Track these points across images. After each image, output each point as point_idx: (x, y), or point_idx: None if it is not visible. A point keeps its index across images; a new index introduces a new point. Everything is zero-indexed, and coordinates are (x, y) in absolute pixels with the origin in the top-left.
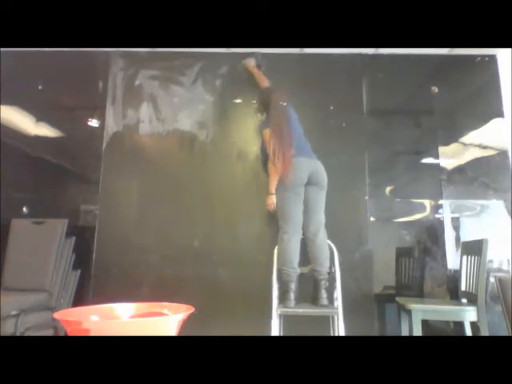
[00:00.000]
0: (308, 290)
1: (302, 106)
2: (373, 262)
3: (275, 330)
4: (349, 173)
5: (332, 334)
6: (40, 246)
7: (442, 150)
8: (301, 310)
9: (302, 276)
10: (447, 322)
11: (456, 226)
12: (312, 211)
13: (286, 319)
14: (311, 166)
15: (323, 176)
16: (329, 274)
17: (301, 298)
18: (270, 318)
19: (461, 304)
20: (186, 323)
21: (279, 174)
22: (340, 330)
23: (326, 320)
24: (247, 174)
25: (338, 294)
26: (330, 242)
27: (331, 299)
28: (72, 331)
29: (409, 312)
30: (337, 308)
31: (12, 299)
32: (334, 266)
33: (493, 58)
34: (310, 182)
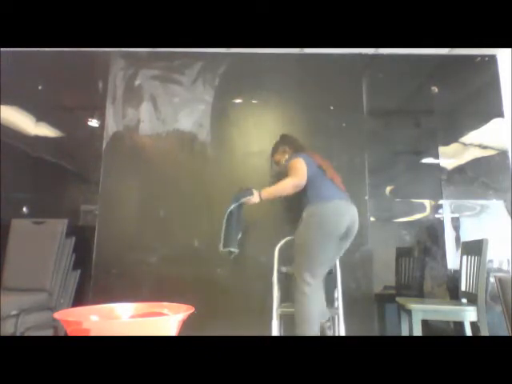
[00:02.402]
0: None
1: (302, 105)
2: (373, 261)
3: (275, 330)
4: (349, 173)
5: (332, 334)
6: (40, 246)
7: (442, 149)
8: None
9: None
10: (447, 322)
11: (456, 226)
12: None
13: (286, 319)
14: (351, 213)
15: (357, 226)
16: (330, 273)
17: None
18: (269, 318)
19: (461, 304)
20: (185, 323)
21: (336, 182)
22: (340, 330)
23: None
24: (247, 174)
25: (338, 294)
26: None
27: (331, 301)
28: (72, 331)
29: (409, 312)
30: (337, 308)
31: (12, 299)
32: (334, 266)
33: (493, 58)
34: (344, 236)
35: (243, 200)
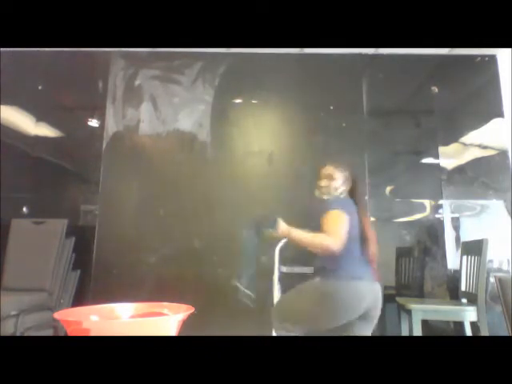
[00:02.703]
0: None
1: (302, 105)
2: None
3: None
4: None
5: None
6: (40, 246)
7: (442, 149)
8: None
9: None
10: (447, 322)
11: (456, 226)
12: None
13: None
14: (374, 293)
15: (379, 308)
16: None
17: None
18: (269, 318)
19: (461, 304)
20: (185, 323)
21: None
22: None
23: None
24: (247, 174)
25: None
26: None
27: None
28: (72, 331)
29: (409, 312)
30: None
31: (12, 299)
32: None
33: (493, 58)
34: (363, 316)
35: (266, 232)
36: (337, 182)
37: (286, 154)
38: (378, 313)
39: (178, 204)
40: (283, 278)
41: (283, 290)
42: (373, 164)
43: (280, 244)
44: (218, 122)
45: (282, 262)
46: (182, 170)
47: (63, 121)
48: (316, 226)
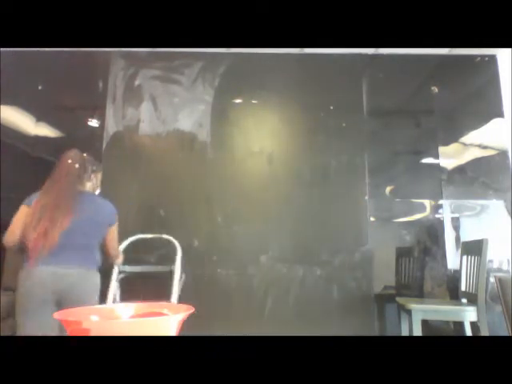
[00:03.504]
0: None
1: (302, 105)
2: (373, 261)
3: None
4: (349, 173)
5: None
6: None
7: (442, 149)
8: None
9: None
10: (447, 322)
11: (456, 226)
12: None
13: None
14: (61, 283)
15: (81, 294)
16: (170, 272)
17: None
18: (270, 318)
19: (461, 304)
20: (185, 323)
21: (31, 246)
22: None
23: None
24: (247, 174)
25: (174, 290)
26: (173, 239)
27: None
28: (72, 331)
29: (409, 312)
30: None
31: (12, 299)
32: (174, 262)
33: (493, 58)
34: (60, 303)
35: None
36: None
37: (286, 153)
38: (72, 298)
39: (178, 204)
40: (130, 277)
41: (122, 290)
42: (373, 164)
43: (124, 244)
44: (218, 121)
45: (127, 261)
46: (182, 170)
47: (63, 121)
48: (315, 223)
